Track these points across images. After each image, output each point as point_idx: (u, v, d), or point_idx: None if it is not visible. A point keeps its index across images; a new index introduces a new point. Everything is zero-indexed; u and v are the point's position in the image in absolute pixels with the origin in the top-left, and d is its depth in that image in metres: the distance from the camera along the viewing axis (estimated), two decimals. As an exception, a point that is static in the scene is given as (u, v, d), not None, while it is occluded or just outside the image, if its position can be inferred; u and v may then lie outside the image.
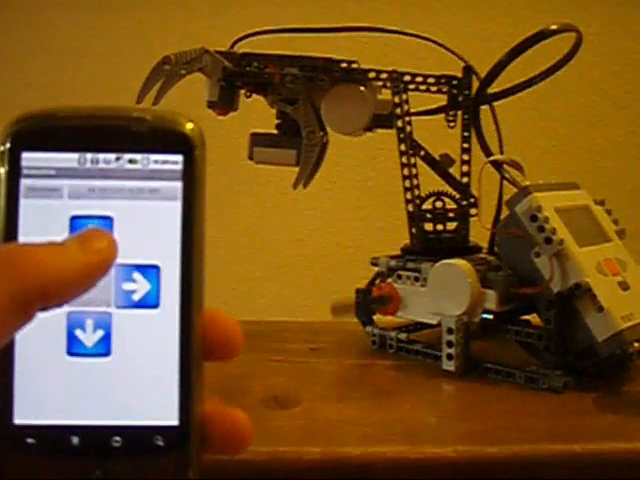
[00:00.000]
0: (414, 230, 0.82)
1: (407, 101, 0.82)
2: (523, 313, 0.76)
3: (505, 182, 0.80)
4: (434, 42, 0.84)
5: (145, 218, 0.35)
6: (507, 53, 0.78)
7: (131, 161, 0.35)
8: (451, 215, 0.84)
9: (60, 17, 1.49)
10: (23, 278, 0.30)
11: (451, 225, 0.84)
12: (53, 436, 0.34)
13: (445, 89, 0.84)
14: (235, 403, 0.67)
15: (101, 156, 0.35)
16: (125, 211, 0.35)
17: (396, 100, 0.82)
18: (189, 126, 0.36)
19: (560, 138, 1.47)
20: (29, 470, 0.34)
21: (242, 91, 0.84)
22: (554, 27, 0.77)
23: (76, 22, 1.49)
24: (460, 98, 0.83)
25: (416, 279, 0.79)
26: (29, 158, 0.35)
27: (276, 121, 0.85)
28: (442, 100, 0.86)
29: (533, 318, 0.76)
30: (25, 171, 0.35)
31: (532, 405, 0.67)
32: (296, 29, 0.85)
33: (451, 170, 0.85)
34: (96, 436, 0.34)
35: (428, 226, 0.83)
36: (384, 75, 0.82)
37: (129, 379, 0.35)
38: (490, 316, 0.74)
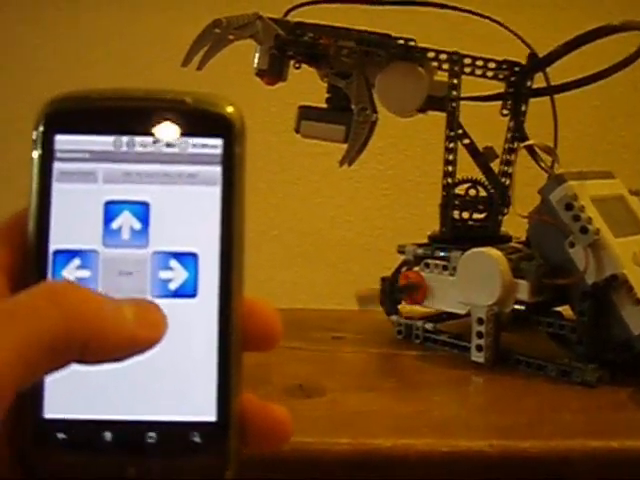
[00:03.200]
0: (443, 218, 0.80)
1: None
2: (555, 305, 0.74)
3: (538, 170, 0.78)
4: (501, 25, 0.81)
5: (183, 204, 0.34)
6: (563, 44, 0.76)
7: (169, 144, 0.34)
8: (481, 205, 0.81)
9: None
10: (70, 322, 0.28)
11: (480, 215, 0.82)
12: (85, 431, 0.32)
13: (502, 75, 0.81)
14: (258, 392, 0.65)
15: (138, 139, 0.34)
16: (162, 196, 0.34)
17: (454, 82, 0.79)
18: (229, 109, 0.34)
19: (595, 126, 1.44)
20: (60, 466, 0.32)
21: (292, 62, 0.81)
22: (617, 24, 0.74)
23: None
24: (521, 86, 0.80)
25: (444, 268, 0.77)
26: (63, 141, 0.34)
27: (326, 95, 0.82)
28: (489, 87, 0.83)
29: (565, 310, 0.74)
30: (59, 154, 0.34)
31: (565, 399, 0.65)
32: (354, 0, 0.83)
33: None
34: (130, 432, 0.33)
35: (457, 213, 0.81)
36: (443, 56, 0.79)
37: (165, 372, 0.33)
38: (521, 307, 0.72)
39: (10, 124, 1.28)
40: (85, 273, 0.33)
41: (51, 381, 0.32)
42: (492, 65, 0.81)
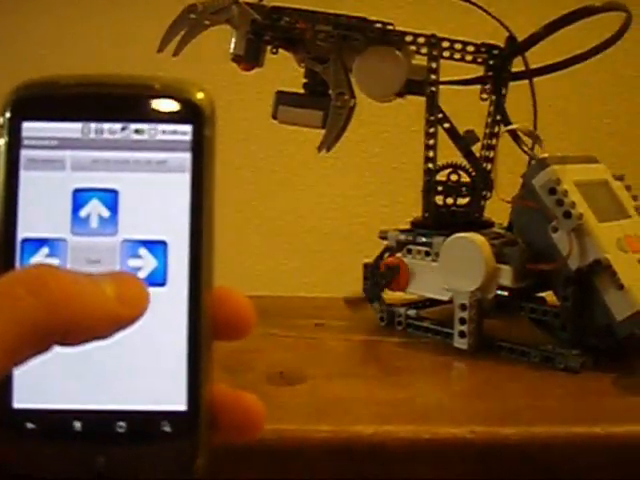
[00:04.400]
0: (426, 203, 0.79)
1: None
2: (538, 290, 0.74)
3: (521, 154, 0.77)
4: (480, 7, 0.80)
5: (152, 191, 0.33)
6: (545, 26, 0.75)
7: (138, 131, 0.33)
8: (464, 190, 0.81)
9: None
10: (50, 308, 0.28)
11: (464, 199, 0.81)
12: (54, 421, 0.32)
13: (481, 59, 0.80)
14: (239, 378, 0.64)
15: (106, 126, 0.33)
16: (131, 184, 0.33)
17: (432, 65, 0.78)
18: (199, 95, 0.33)
19: (579, 113, 1.44)
20: (29, 456, 0.32)
21: (268, 47, 0.80)
22: (599, 4, 0.74)
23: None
24: (500, 70, 0.80)
25: (427, 253, 0.77)
26: (30, 128, 0.33)
27: (303, 80, 0.81)
28: (469, 71, 0.83)
29: (548, 296, 0.73)
30: (26, 142, 0.33)
31: (548, 385, 0.65)
32: None
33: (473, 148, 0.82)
34: (99, 421, 0.32)
35: (440, 199, 0.80)
36: (421, 39, 0.78)
37: (134, 361, 0.32)
38: (504, 293, 0.71)
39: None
40: (54, 261, 0.32)
41: (20, 371, 0.31)
42: (471, 49, 0.80)
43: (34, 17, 1.46)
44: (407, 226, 0.82)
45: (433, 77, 0.78)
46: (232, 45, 0.80)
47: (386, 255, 0.81)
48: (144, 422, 0.32)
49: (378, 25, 0.79)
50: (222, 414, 0.33)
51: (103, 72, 0.34)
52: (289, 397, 0.61)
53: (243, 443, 0.48)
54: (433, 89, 0.78)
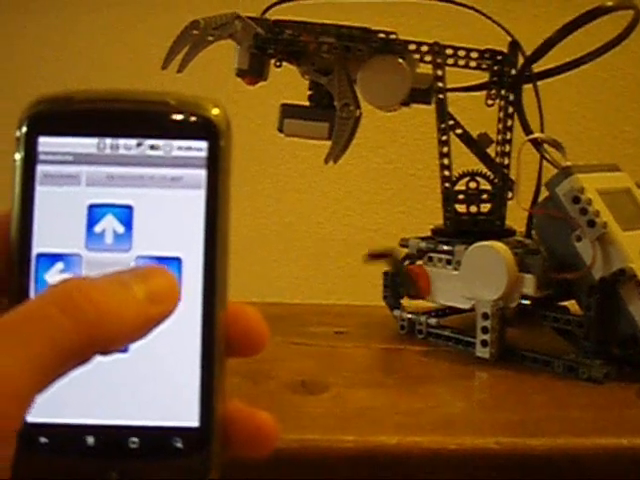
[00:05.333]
0: (447, 211, 0.79)
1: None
2: (561, 299, 0.73)
3: (544, 163, 0.77)
4: (480, 13, 0.80)
5: (167, 207, 0.33)
6: (559, 30, 0.74)
7: (153, 147, 0.33)
8: (484, 197, 0.80)
9: None
10: (85, 327, 0.28)
11: (485, 207, 0.80)
12: (67, 436, 0.32)
13: (486, 65, 0.80)
14: (261, 388, 0.64)
15: (121, 141, 0.33)
16: (145, 200, 0.33)
17: (438, 73, 0.78)
18: (215, 111, 0.33)
19: (598, 121, 1.43)
20: (41, 471, 0.32)
21: (272, 60, 0.80)
22: (610, 4, 0.73)
23: None
24: (504, 75, 0.80)
25: (448, 262, 0.76)
26: (46, 143, 0.33)
27: (308, 92, 0.81)
28: (479, 77, 0.82)
29: (571, 305, 0.73)
30: (42, 157, 0.33)
31: (572, 396, 0.64)
32: None
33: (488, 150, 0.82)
34: (112, 436, 0.32)
35: (461, 207, 0.80)
36: (425, 48, 0.78)
37: (148, 377, 0.33)
38: (527, 302, 0.71)
39: None
40: (67, 277, 0.32)
41: None
42: (474, 55, 0.80)
43: (36, 18, 1.46)
44: (424, 233, 0.81)
45: (440, 84, 0.78)
46: (236, 60, 0.80)
47: (407, 263, 0.80)
48: (156, 438, 0.32)
49: (381, 35, 0.79)
50: (234, 430, 0.33)
51: (118, 87, 0.34)
52: (312, 407, 0.60)
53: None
54: (441, 96, 0.78)
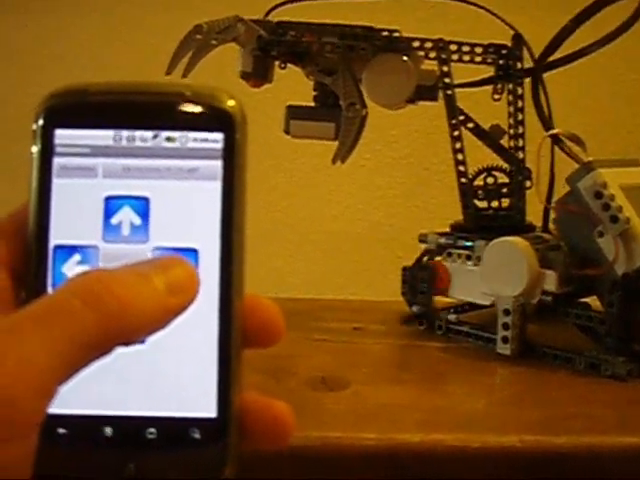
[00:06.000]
0: (466, 206, 0.78)
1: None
2: (582, 295, 0.72)
3: (558, 157, 0.76)
4: (482, 7, 0.79)
5: (183, 199, 0.33)
6: (573, 19, 0.74)
7: (169, 139, 0.33)
8: (504, 191, 0.79)
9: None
10: (108, 319, 0.28)
11: (504, 202, 0.80)
12: (85, 427, 0.32)
13: (491, 59, 0.80)
14: (280, 384, 0.64)
15: (137, 133, 0.33)
16: (162, 191, 0.33)
17: (444, 69, 0.77)
18: (230, 103, 0.34)
19: (617, 113, 1.42)
20: (59, 461, 0.32)
21: (276, 62, 0.80)
22: None
23: None
24: (510, 69, 0.79)
25: (468, 257, 0.75)
26: (62, 135, 0.33)
27: (313, 93, 0.81)
28: (484, 71, 0.82)
29: (592, 301, 0.72)
30: (58, 149, 0.33)
31: (596, 393, 0.63)
32: None
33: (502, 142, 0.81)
34: (130, 427, 0.32)
35: (480, 203, 0.79)
36: (429, 44, 0.78)
37: (165, 368, 0.33)
38: (548, 298, 0.70)
39: (10, 119, 1.27)
40: (85, 269, 0.33)
41: None
42: (479, 50, 0.79)
43: (36, 18, 1.46)
44: (440, 227, 0.81)
45: (447, 80, 0.78)
46: (240, 63, 0.79)
47: (425, 258, 0.80)
48: (174, 429, 0.32)
49: (384, 33, 0.78)
50: (251, 421, 0.33)
51: (133, 79, 0.34)
52: (332, 403, 0.60)
53: (288, 449, 0.48)
54: (449, 92, 0.78)
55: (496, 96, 0.82)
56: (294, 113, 0.80)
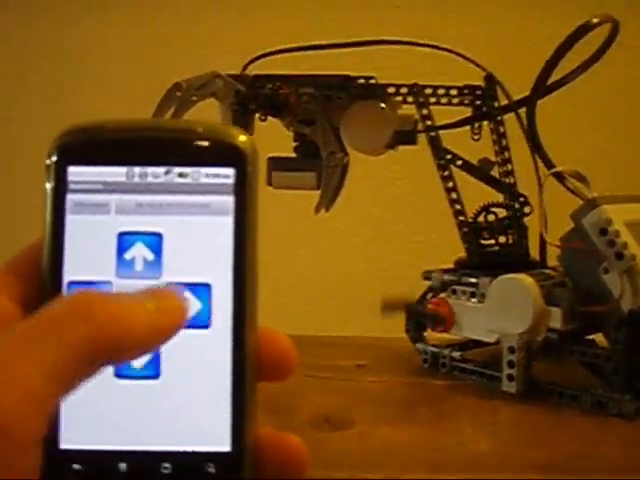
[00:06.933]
0: (468, 243, 0.78)
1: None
2: (588, 333, 0.72)
3: (562, 194, 0.76)
4: (452, 52, 0.80)
5: (195, 234, 0.33)
6: (553, 53, 0.74)
7: (181, 175, 0.33)
8: (506, 223, 0.79)
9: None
10: (97, 332, 0.28)
11: (509, 238, 0.79)
12: (100, 462, 0.32)
13: (468, 100, 0.81)
14: (283, 423, 0.63)
15: (150, 170, 0.33)
16: (175, 227, 0.33)
17: (424, 112, 0.78)
18: (241, 138, 0.34)
19: (613, 149, 1.42)
20: None
21: (256, 115, 0.81)
22: (596, 20, 0.73)
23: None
24: (489, 108, 0.80)
25: (472, 294, 0.75)
26: (76, 172, 0.33)
27: (294, 144, 0.81)
28: (462, 113, 0.83)
29: (598, 337, 0.72)
30: (72, 186, 0.33)
31: (603, 432, 0.63)
32: (309, 47, 0.82)
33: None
34: (145, 462, 0.32)
35: (483, 240, 0.79)
36: (404, 89, 0.78)
37: (179, 402, 0.32)
38: (553, 335, 0.70)
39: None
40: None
41: (66, 412, 0.32)
42: (454, 92, 0.80)
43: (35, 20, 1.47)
44: (442, 263, 0.81)
45: (428, 123, 0.78)
46: (220, 117, 0.80)
47: (429, 295, 0.79)
48: (189, 463, 0.32)
49: (360, 81, 0.79)
50: (266, 455, 0.33)
51: (145, 117, 0.34)
52: (337, 443, 0.59)
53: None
54: (433, 134, 0.78)
55: (476, 136, 0.83)
56: (275, 165, 0.80)
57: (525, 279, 0.70)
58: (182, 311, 0.31)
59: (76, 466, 0.32)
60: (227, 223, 0.33)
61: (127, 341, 0.29)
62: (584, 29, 0.74)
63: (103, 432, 0.32)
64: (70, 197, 0.33)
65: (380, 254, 1.47)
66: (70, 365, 0.28)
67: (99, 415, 0.32)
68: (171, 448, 0.32)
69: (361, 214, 1.46)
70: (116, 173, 0.33)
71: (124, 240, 0.33)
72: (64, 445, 0.32)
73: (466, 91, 0.80)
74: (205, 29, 1.46)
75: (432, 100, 0.79)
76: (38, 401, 0.27)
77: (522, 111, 0.79)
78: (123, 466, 0.32)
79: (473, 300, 0.75)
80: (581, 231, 0.69)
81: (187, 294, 0.32)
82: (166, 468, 0.32)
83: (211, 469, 0.32)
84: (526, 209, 0.79)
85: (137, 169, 0.33)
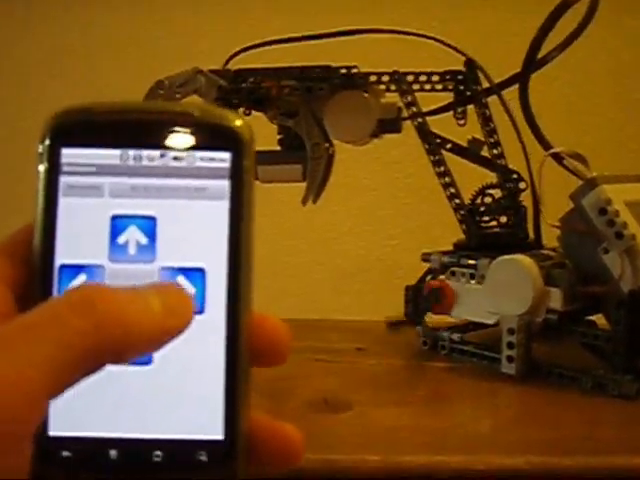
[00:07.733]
0: (467, 225, 0.77)
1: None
2: (588, 313, 0.71)
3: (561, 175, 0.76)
4: (432, 38, 0.80)
5: (190, 218, 0.33)
6: (538, 31, 0.74)
7: (176, 158, 0.33)
8: (504, 203, 0.79)
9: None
10: (100, 330, 0.27)
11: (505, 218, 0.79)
12: (90, 450, 0.31)
13: (451, 86, 0.80)
14: (283, 406, 0.63)
15: (144, 153, 0.33)
16: (169, 211, 0.33)
17: (408, 99, 0.78)
18: (238, 122, 0.33)
19: (618, 127, 1.42)
20: None
21: (240, 109, 0.80)
22: None
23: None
24: (472, 92, 0.80)
25: (472, 276, 0.75)
26: (69, 154, 0.33)
27: (278, 137, 0.81)
28: (445, 98, 0.82)
29: (598, 319, 0.71)
30: (65, 168, 0.33)
31: (603, 413, 0.62)
32: (289, 39, 0.81)
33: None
34: (136, 450, 0.31)
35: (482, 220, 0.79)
36: (386, 77, 0.78)
37: (171, 389, 0.32)
38: (553, 316, 0.69)
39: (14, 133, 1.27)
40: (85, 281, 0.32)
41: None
42: (436, 78, 0.80)
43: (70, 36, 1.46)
44: (443, 246, 0.80)
45: (413, 109, 0.78)
46: None
47: (429, 278, 0.79)
48: (180, 451, 0.32)
49: (342, 71, 0.78)
50: (260, 443, 0.32)
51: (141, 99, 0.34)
52: (336, 425, 0.59)
53: (289, 472, 0.47)
54: (420, 120, 0.78)
55: (461, 121, 0.83)
56: (260, 159, 0.79)
57: (524, 260, 0.69)
58: (188, 313, 0.30)
59: (65, 453, 0.31)
60: (222, 208, 0.33)
61: (129, 341, 0.28)
62: (565, 5, 0.73)
63: (93, 419, 0.32)
64: (63, 179, 0.33)
65: (379, 239, 1.46)
66: (68, 364, 0.27)
67: (89, 401, 0.31)
68: (162, 436, 0.32)
69: (359, 199, 1.45)
70: (110, 155, 0.33)
71: (117, 223, 0.33)
72: (53, 432, 0.31)
73: (448, 76, 0.80)
74: (187, 24, 1.45)
75: (415, 87, 0.79)
76: (34, 400, 0.26)
77: (509, 91, 0.79)
78: (113, 453, 0.31)
79: (472, 282, 0.75)
80: (581, 211, 0.68)
81: (187, 284, 0.32)
82: (157, 456, 0.31)
83: (203, 457, 0.31)
84: (521, 185, 0.78)
85: (131, 152, 0.33)
